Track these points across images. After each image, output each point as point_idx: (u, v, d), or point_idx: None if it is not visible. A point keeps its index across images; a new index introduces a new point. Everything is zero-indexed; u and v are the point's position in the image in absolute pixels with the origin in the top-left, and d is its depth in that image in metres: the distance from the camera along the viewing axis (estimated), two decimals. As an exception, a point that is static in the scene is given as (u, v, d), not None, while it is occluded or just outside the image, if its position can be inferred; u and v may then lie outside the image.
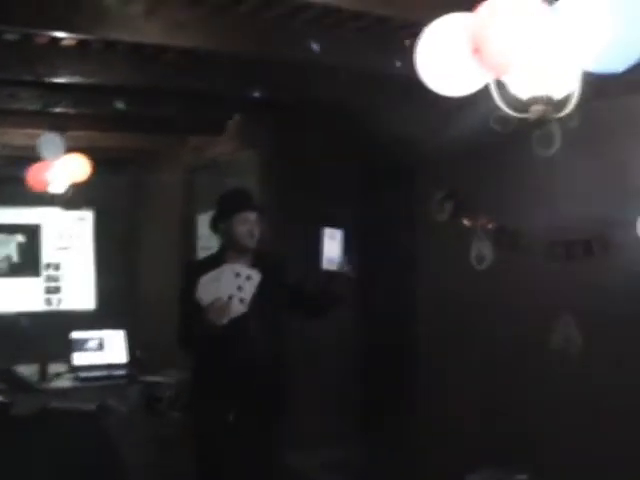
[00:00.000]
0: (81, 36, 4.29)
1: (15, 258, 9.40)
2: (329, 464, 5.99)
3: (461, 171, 5.46)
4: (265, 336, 4.17)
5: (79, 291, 9.55)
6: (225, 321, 3.96)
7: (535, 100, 2.37)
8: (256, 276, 4.08)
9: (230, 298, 4.00)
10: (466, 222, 5.30)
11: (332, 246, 4.07)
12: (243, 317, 4.03)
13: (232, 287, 4.03)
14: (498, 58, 2.18)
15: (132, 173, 9.61)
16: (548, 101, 2.36)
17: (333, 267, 4.07)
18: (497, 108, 2.46)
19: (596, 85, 4.12)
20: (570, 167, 4.65)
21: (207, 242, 8.88)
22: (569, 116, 2.49)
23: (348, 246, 4.12)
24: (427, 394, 5.88)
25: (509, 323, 5.03)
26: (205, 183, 8.72)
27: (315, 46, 4.27)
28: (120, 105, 5.59)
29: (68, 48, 4.71)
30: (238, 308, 4.01)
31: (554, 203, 4.76)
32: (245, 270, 4.10)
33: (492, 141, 4.98)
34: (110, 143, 7.94)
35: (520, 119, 2.47)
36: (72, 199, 6.94)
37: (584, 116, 4.41)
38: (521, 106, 2.44)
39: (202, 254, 8.96)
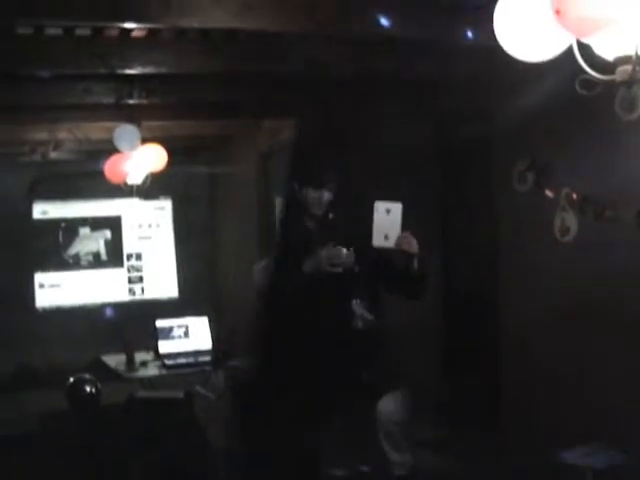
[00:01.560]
0: (150, 25, 4.29)
1: (101, 251, 9.56)
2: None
3: (541, 140, 5.31)
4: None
5: (161, 280, 9.67)
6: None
7: (622, 60, 2.26)
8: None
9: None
10: (549, 193, 5.16)
11: (387, 221, 3.97)
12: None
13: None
14: (582, 18, 2.07)
15: (208, 160, 9.66)
16: (636, 60, 2.24)
17: (388, 244, 3.98)
18: (581, 71, 2.35)
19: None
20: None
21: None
22: (657, 77, 2.36)
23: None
24: (514, 371, 5.76)
25: (599, 296, 4.87)
26: (281, 166, 8.71)
27: (385, 21, 4.18)
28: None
29: (138, 39, 4.72)
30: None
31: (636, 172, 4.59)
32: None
33: (573, 108, 4.85)
34: (185, 131, 8.01)
35: (606, 81, 2.35)
36: (150, 189, 7.00)
37: None
38: (607, 68, 2.33)
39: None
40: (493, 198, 5.90)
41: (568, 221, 5.05)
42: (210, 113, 7.06)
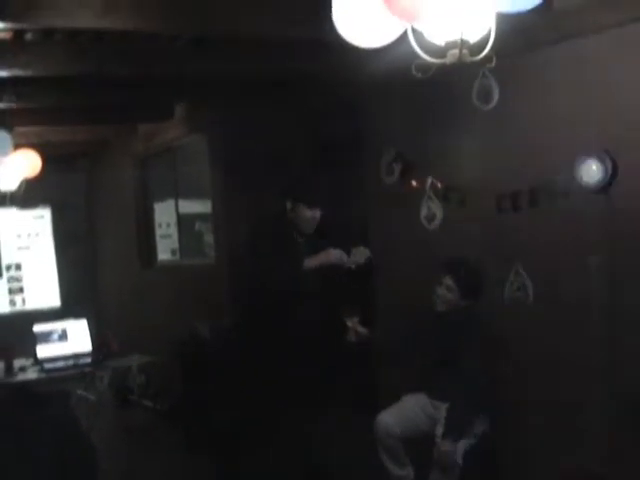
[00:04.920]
0: (12, 24, 4.25)
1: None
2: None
3: (406, 133, 5.52)
4: None
5: (42, 289, 9.52)
6: None
7: (451, 44, 2.42)
8: None
9: None
10: (415, 183, 5.37)
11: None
12: None
13: None
14: (408, 5, 2.23)
15: (85, 166, 9.59)
16: (464, 45, 2.41)
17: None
18: (416, 56, 2.51)
19: (528, 36, 4.27)
20: (511, 119, 4.74)
21: (166, 230, 8.94)
22: (487, 59, 2.54)
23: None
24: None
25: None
26: (159, 170, 8.74)
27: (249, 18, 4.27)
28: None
29: (3, 41, 4.67)
30: None
31: (498, 156, 4.85)
32: None
33: (435, 100, 5.08)
34: (61, 137, 7.93)
35: (439, 65, 2.51)
36: (28, 197, 6.92)
37: (521, 68, 4.60)
38: (439, 52, 2.49)
39: (162, 243, 9.00)
40: (365, 191, 6.06)
41: (434, 209, 5.28)
42: (83, 118, 7.02)
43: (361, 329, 4.62)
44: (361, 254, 4.46)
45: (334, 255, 4.42)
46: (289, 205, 4.48)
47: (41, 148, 6.67)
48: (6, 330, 8.27)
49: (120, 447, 6.17)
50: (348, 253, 4.45)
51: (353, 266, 4.44)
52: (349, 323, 4.61)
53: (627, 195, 4.11)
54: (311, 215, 4.48)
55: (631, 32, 4.02)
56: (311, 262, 4.38)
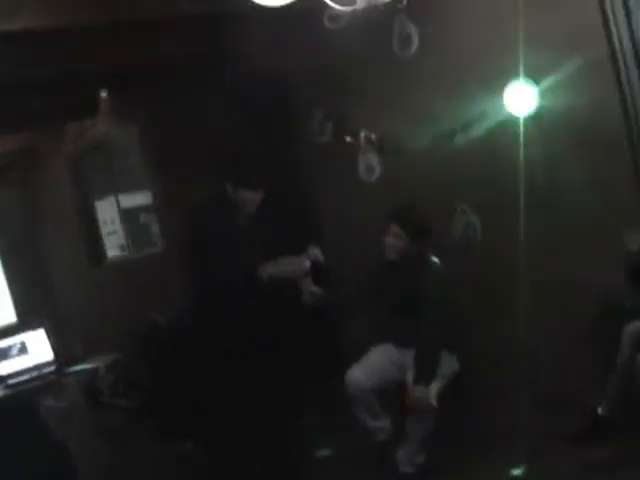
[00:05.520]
0: None
1: None
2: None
3: (335, 89, 5.48)
4: None
5: (-4, 307, 9.36)
6: None
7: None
8: None
9: None
10: (349, 139, 5.36)
11: None
12: None
13: None
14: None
15: (18, 175, 9.42)
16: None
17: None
18: (328, 6, 2.49)
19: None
20: (433, 60, 4.72)
21: (112, 226, 8.83)
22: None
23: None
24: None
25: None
26: (94, 168, 8.62)
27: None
28: None
29: None
30: None
31: (427, 99, 4.85)
32: None
33: (357, 54, 5.04)
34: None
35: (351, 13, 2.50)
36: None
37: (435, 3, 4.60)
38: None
39: (109, 240, 8.90)
40: (302, 157, 6.02)
41: (371, 161, 5.27)
42: (6, 126, 6.87)
43: (315, 289, 4.60)
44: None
45: (296, 271, 4.42)
46: (230, 189, 4.42)
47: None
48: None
49: (100, 449, 6.11)
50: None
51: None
52: (302, 285, 4.58)
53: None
54: (252, 197, 4.42)
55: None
56: (270, 270, 4.29)
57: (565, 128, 4.19)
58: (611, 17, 3.95)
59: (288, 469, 4.49)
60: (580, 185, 4.19)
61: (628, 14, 3.98)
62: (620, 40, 3.98)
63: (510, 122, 4.31)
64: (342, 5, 2.45)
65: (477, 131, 4.54)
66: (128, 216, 8.40)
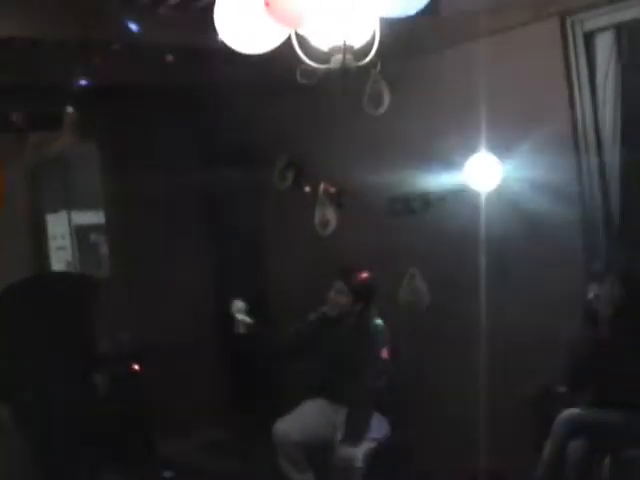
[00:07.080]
0: None
1: None
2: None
3: (299, 140, 5.50)
4: None
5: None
6: None
7: (335, 50, 2.41)
8: None
9: None
10: (307, 189, 5.37)
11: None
12: None
13: None
14: (287, 9, 2.21)
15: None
16: (347, 50, 2.40)
17: None
18: (301, 62, 2.49)
19: (413, 41, 4.32)
20: (401, 124, 4.76)
21: (61, 241, 8.69)
22: (372, 64, 2.55)
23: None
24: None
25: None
26: (50, 180, 8.50)
27: (133, 26, 4.20)
28: None
29: None
30: None
31: (390, 160, 4.87)
32: None
33: (324, 106, 5.07)
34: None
35: (324, 70, 2.50)
36: None
37: (410, 72, 4.65)
38: (324, 57, 2.47)
39: (57, 255, 8.75)
40: (259, 200, 6.02)
41: (328, 215, 5.27)
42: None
43: (248, 320, 4.58)
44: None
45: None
46: None
47: None
48: None
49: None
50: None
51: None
52: (237, 315, 4.57)
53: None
54: None
55: (516, 36, 4.12)
56: None
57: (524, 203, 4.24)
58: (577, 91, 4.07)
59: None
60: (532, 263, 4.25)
61: (594, 91, 4.09)
62: (583, 114, 4.09)
63: (470, 195, 4.36)
64: (316, 63, 2.44)
65: (436, 201, 4.57)
66: (79, 233, 8.29)
